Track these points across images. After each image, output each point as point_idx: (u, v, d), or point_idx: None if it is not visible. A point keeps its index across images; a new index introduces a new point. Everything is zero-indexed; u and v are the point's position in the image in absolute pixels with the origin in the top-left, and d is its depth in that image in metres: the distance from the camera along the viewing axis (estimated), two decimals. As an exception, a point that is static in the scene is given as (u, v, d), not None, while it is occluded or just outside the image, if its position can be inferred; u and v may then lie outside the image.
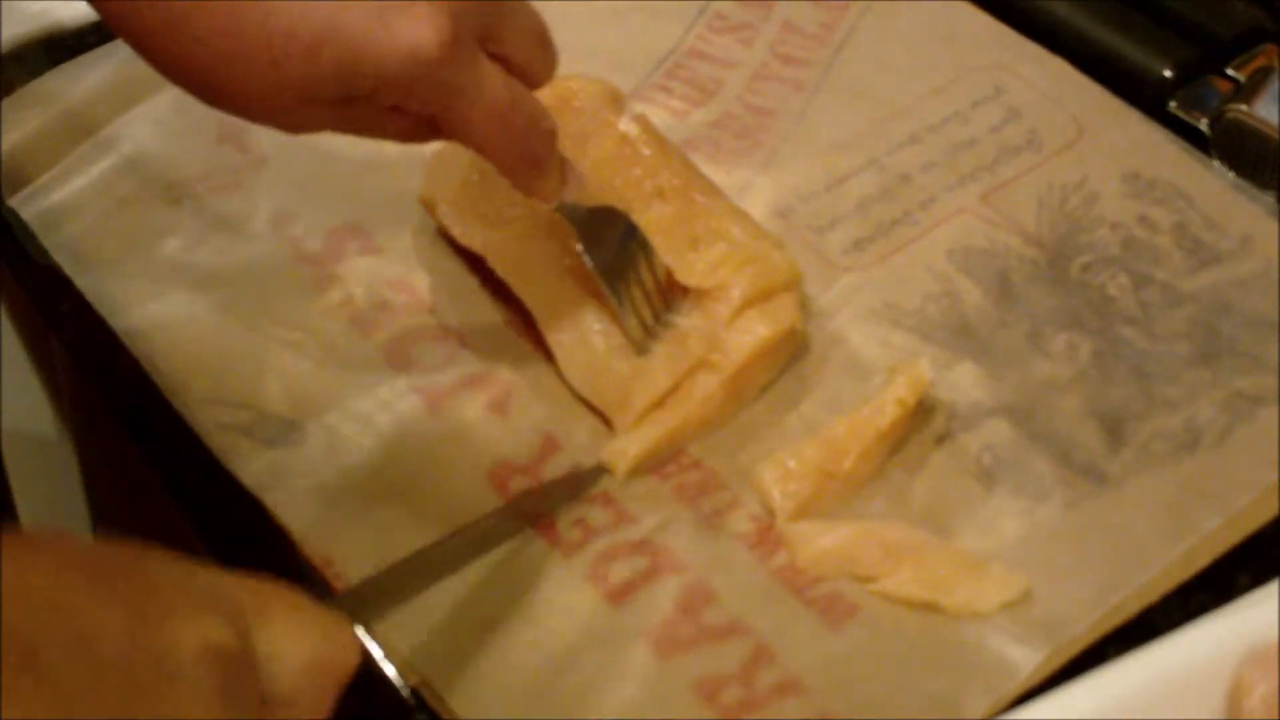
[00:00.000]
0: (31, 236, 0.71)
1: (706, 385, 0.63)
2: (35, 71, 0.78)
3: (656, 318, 0.65)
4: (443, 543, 0.58)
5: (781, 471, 0.59)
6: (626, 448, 0.62)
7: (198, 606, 0.44)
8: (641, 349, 0.64)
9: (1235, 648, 0.48)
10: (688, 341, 0.64)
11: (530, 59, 0.59)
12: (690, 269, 0.65)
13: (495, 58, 0.58)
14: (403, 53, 0.54)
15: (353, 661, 0.48)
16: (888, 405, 0.60)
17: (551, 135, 0.60)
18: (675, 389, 0.63)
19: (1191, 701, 0.48)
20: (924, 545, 0.58)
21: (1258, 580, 0.53)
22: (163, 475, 0.66)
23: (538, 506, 0.61)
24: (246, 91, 0.56)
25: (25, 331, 0.82)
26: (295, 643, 0.46)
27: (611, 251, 0.64)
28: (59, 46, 0.79)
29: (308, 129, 0.60)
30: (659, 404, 0.63)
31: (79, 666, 0.41)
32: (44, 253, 0.71)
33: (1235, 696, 0.48)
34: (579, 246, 0.63)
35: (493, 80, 0.57)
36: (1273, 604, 0.49)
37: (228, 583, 0.46)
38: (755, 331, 0.63)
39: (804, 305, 0.66)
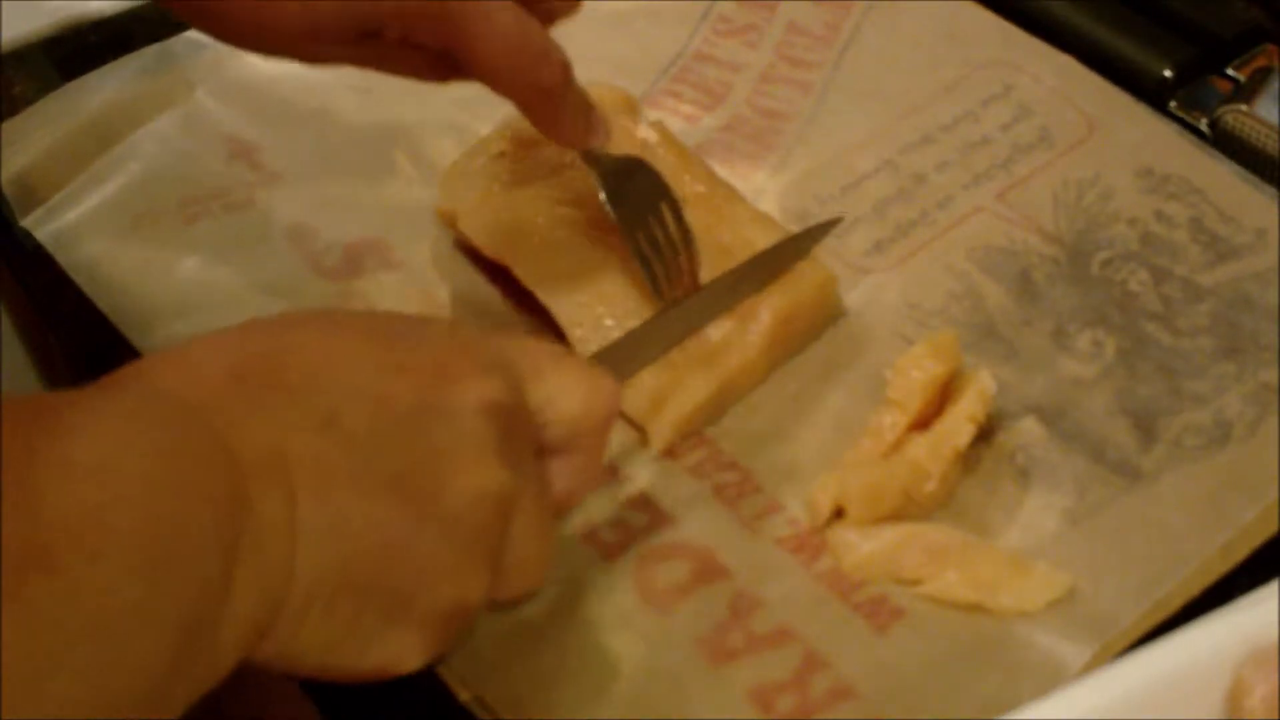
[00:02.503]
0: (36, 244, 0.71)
1: (743, 351, 0.64)
2: (36, 72, 0.77)
3: (681, 270, 0.65)
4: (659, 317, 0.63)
5: (857, 491, 0.59)
6: (666, 420, 0.62)
7: (476, 367, 0.49)
8: (663, 299, 0.64)
9: (1235, 648, 0.48)
10: (721, 354, 0.64)
11: None
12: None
13: None
14: None
15: (616, 409, 0.54)
16: (962, 424, 0.60)
17: (565, 67, 0.60)
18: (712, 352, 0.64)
19: (1191, 701, 0.48)
20: (967, 546, 0.58)
21: (1258, 580, 0.53)
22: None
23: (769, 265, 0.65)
24: (253, 26, 0.57)
25: (25, 331, 0.81)
26: (565, 394, 0.52)
27: (635, 202, 0.64)
28: (59, 46, 0.79)
29: (324, 61, 0.60)
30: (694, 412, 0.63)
31: (374, 425, 0.46)
32: (36, 243, 0.71)
33: (1235, 696, 0.48)
34: (601, 195, 0.64)
35: (501, 10, 0.57)
36: (1273, 604, 0.49)
37: (501, 345, 0.52)
38: (771, 306, 0.64)
39: (828, 273, 0.67)
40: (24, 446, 0.38)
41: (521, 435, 0.50)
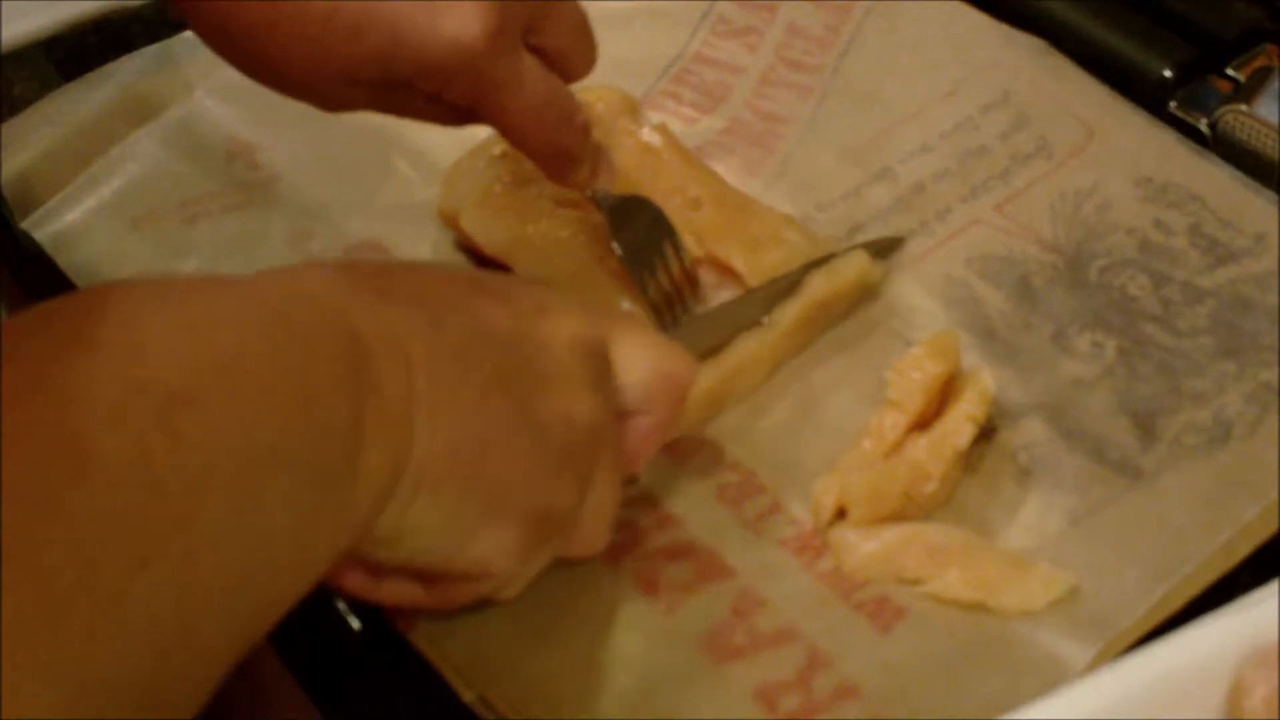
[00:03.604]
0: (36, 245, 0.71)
1: (750, 340, 0.64)
2: (35, 72, 0.77)
3: (683, 303, 0.66)
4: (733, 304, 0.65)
5: (858, 492, 0.59)
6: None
7: (566, 308, 0.51)
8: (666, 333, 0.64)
9: (1235, 648, 0.48)
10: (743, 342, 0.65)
11: (570, 52, 0.61)
12: (758, 271, 0.66)
13: (534, 49, 0.58)
14: (445, 42, 0.54)
15: (690, 377, 0.55)
16: (963, 425, 0.60)
17: (585, 130, 0.61)
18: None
19: (1191, 701, 0.48)
20: (969, 546, 0.58)
21: (1258, 580, 0.53)
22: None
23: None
24: (287, 64, 0.57)
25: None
26: (640, 355, 0.53)
27: (639, 238, 0.65)
28: (59, 46, 0.79)
29: (345, 108, 0.60)
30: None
31: (475, 336, 0.48)
32: (37, 244, 0.71)
33: (1235, 696, 0.48)
34: (614, 245, 0.64)
35: (532, 75, 0.58)
36: (1273, 604, 0.49)
37: (585, 303, 0.54)
38: (810, 288, 0.65)
39: (868, 262, 0.67)
40: (135, 309, 0.40)
41: (605, 379, 0.52)
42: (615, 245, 0.64)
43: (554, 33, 0.59)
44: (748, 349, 0.64)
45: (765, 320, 0.64)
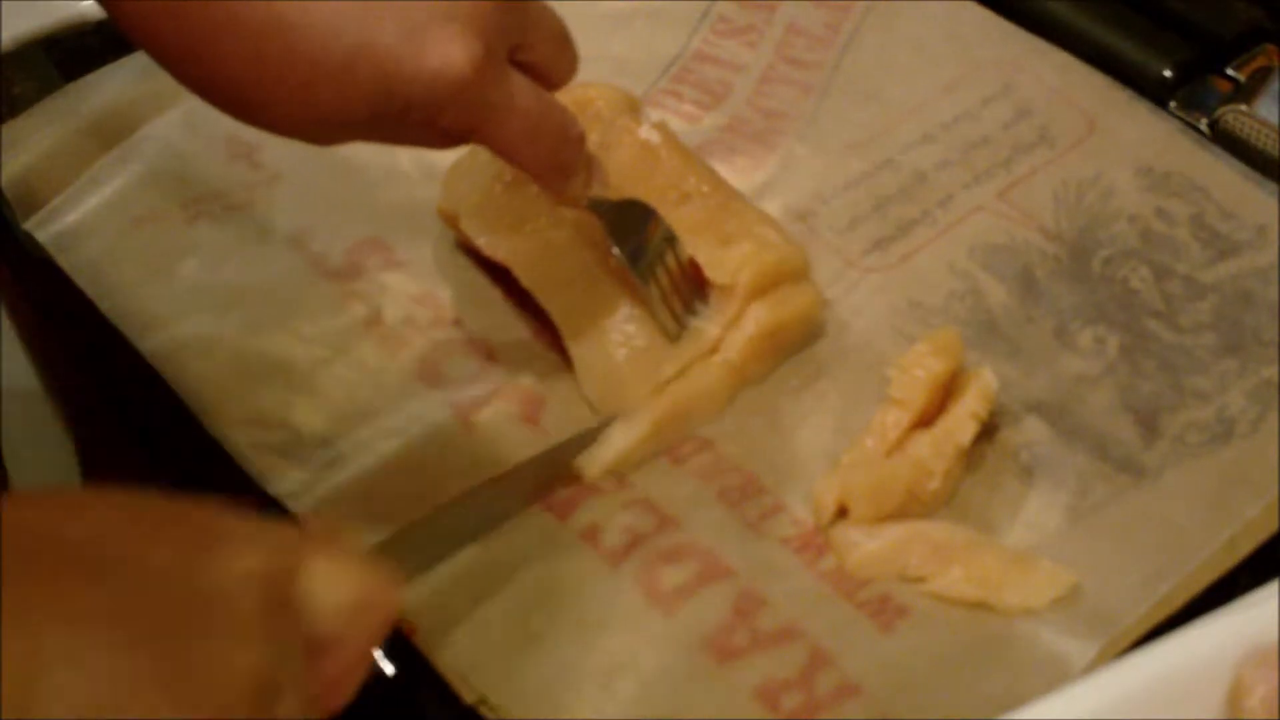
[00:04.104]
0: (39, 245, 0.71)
1: (704, 374, 0.64)
2: (36, 72, 0.77)
3: (686, 307, 0.65)
4: (466, 499, 0.59)
5: (860, 490, 0.59)
6: (603, 453, 0.62)
7: (244, 538, 0.45)
8: (674, 338, 0.64)
9: (1235, 648, 0.48)
10: (699, 337, 0.65)
11: (553, 61, 0.60)
12: (721, 266, 0.65)
13: (519, 65, 0.58)
14: (432, 74, 0.53)
15: (393, 603, 0.49)
16: (965, 421, 0.60)
17: (580, 141, 0.61)
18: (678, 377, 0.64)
19: (1191, 701, 0.48)
20: (971, 544, 0.58)
21: (1258, 580, 0.53)
22: (164, 475, 0.65)
23: (552, 465, 0.62)
24: (276, 110, 0.55)
25: (26, 332, 0.81)
26: (335, 584, 0.47)
27: (638, 243, 0.64)
28: (59, 47, 0.79)
29: (336, 143, 0.59)
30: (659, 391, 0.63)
31: (129, 583, 0.42)
32: (39, 244, 0.71)
33: (1235, 696, 0.48)
34: (611, 243, 0.64)
35: (522, 94, 0.57)
36: (1273, 604, 0.49)
37: (271, 525, 0.47)
38: (756, 318, 0.64)
39: (817, 296, 0.67)
40: None
41: (288, 619, 0.46)
42: (616, 251, 0.64)
43: (538, 47, 0.58)
44: (701, 382, 0.64)
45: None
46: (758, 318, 0.64)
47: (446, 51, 0.53)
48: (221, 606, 0.43)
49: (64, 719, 0.40)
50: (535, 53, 0.58)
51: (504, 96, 0.56)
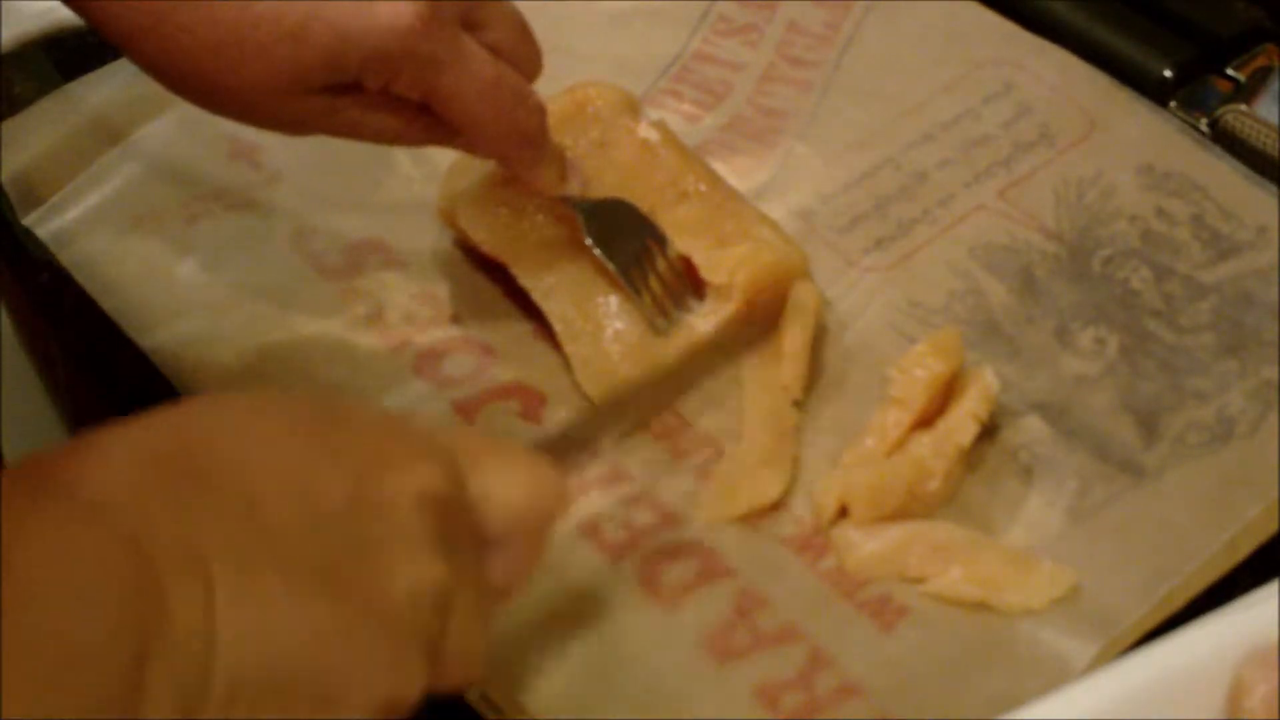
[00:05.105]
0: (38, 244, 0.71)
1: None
2: (36, 72, 0.77)
3: (678, 305, 0.65)
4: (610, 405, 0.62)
5: (861, 490, 0.59)
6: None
7: (413, 457, 0.46)
8: (661, 334, 0.65)
9: (1235, 648, 0.48)
10: (691, 332, 0.65)
11: (515, 50, 0.61)
12: (717, 267, 0.65)
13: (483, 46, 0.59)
14: (383, 27, 0.56)
15: (562, 504, 0.52)
16: (966, 422, 0.60)
17: (541, 112, 0.61)
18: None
19: (1191, 701, 0.48)
20: (971, 544, 0.58)
21: (1258, 580, 0.53)
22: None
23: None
24: (236, 84, 0.57)
25: (25, 331, 0.81)
26: (506, 486, 0.49)
27: (625, 242, 0.65)
28: (59, 47, 0.79)
29: (302, 126, 0.61)
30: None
31: (301, 516, 0.43)
32: (43, 248, 0.71)
33: (1235, 696, 0.48)
34: (588, 239, 0.64)
35: (477, 55, 0.58)
36: (1273, 604, 0.49)
37: (440, 434, 0.50)
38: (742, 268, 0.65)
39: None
40: None
41: (460, 526, 0.48)
42: (589, 241, 0.64)
43: (495, 27, 0.60)
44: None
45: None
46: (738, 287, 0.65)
47: (394, 8, 0.56)
48: (398, 535, 0.45)
49: (249, 670, 0.41)
50: (493, 33, 0.60)
51: (454, 52, 0.58)
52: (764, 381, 0.64)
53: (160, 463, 0.42)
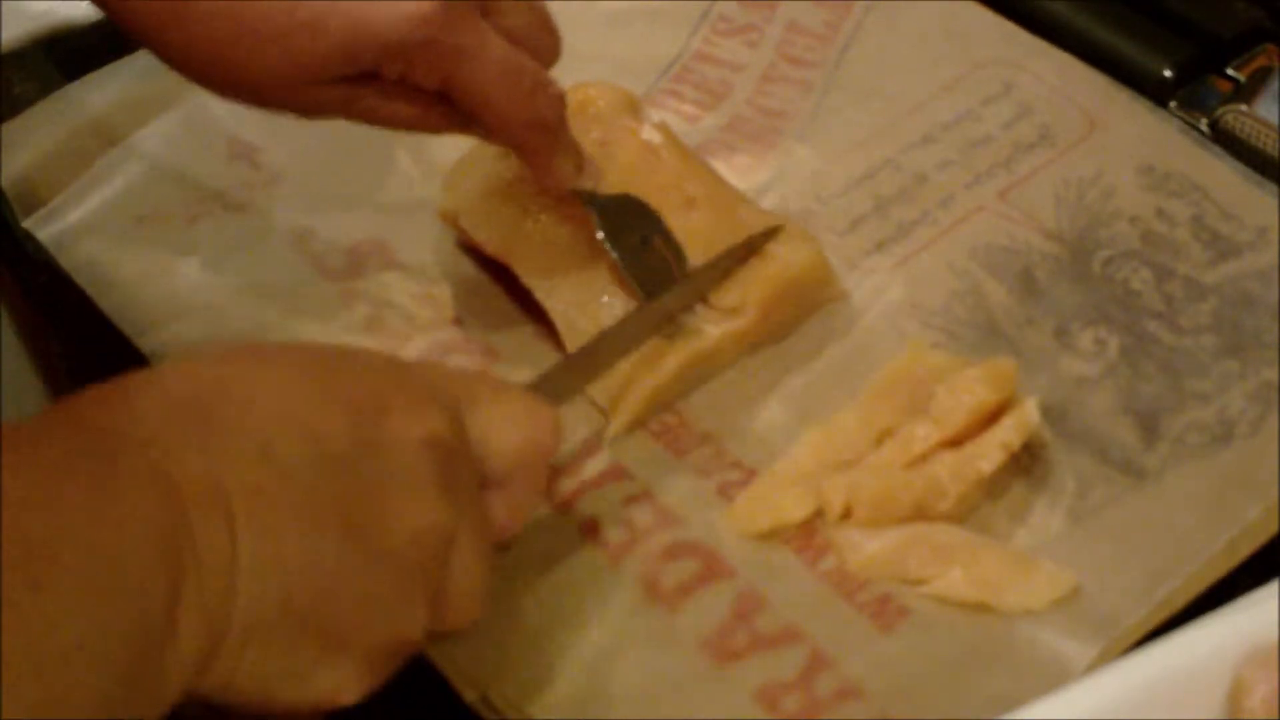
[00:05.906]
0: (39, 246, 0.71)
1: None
2: (36, 72, 0.77)
3: (685, 308, 0.65)
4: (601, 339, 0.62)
5: (867, 495, 0.59)
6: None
7: (414, 400, 0.48)
8: (667, 337, 0.64)
9: (1235, 648, 0.48)
10: (699, 336, 0.65)
11: (533, 36, 0.61)
12: (728, 290, 0.65)
13: (499, 33, 0.59)
14: (402, 16, 0.56)
15: (558, 439, 0.53)
16: (993, 449, 0.59)
17: (560, 100, 0.61)
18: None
19: (1191, 701, 0.48)
20: (972, 546, 0.58)
21: (1258, 580, 0.53)
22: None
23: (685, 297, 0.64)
24: (255, 74, 0.57)
25: (25, 331, 0.81)
26: (504, 425, 0.51)
27: (634, 241, 0.65)
28: (59, 47, 0.79)
29: (320, 112, 0.61)
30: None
31: (310, 457, 0.45)
32: (42, 249, 0.71)
33: (1235, 696, 0.48)
34: (599, 235, 0.64)
35: (495, 42, 0.58)
36: (1273, 604, 0.49)
37: (441, 375, 0.52)
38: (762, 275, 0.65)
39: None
40: None
41: (461, 468, 0.49)
42: (605, 242, 0.64)
43: (511, 13, 0.59)
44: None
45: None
46: (758, 289, 0.65)
47: None
48: (402, 478, 0.47)
49: (264, 605, 0.43)
50: (511, 19, 0.60)
51: (474, 39, 0.57)
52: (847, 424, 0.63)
53: (180, 405, 0.44)
